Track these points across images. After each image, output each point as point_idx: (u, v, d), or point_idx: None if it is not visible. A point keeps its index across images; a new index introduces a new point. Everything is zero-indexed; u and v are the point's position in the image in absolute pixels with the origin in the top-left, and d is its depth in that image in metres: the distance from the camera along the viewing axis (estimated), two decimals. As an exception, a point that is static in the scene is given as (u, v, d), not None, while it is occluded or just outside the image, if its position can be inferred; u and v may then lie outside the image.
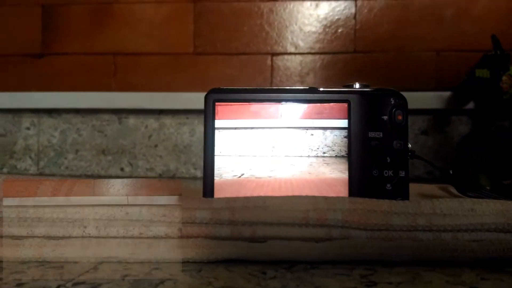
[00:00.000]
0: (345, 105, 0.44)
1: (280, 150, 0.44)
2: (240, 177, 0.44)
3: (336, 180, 0.43)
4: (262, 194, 0.43)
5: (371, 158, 0.43)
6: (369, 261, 0.36)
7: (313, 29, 0.95)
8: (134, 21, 0.96)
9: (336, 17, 0.95)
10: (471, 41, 0.86)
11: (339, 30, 0.95)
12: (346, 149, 0.43)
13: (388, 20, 0.94)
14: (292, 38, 0.95)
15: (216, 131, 0.44)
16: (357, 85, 0.45)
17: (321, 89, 0.45)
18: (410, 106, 0.43)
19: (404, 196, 0.42)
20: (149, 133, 0.94)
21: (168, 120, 0.93)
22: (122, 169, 0.93)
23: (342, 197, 0.40)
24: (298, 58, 0.95)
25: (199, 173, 0.92)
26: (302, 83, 0.95)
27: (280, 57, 0.95)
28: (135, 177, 0.91)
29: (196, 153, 0.93)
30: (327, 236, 0.37)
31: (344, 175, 0.43)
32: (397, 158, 0.43)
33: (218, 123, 0.44)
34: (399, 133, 0.43)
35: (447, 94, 0.93)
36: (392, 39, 0.94)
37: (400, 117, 0.43)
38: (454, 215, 0.37)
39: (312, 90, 0.45)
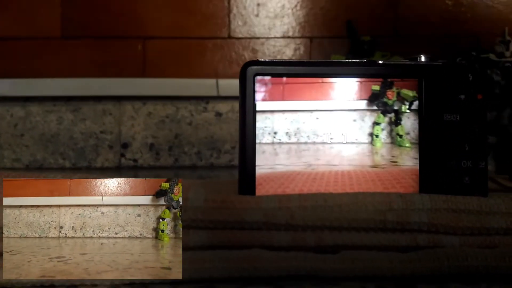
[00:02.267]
0: (414, 82, 0.36)
1: (333, 136, 0.36)
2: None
3: (403, 171, 0.36)
4: (316, 190, 0.35)
5: (446, 146, 0.35)
6: (466, 274, 0.29)
7: (184, 13, 0.89)
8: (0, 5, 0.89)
9: (211, 5, 0.88)
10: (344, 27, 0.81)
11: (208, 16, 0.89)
12: (415, 135, 0.36)
13: (259, 8, 0.89)
14: (165, 22, 0.88)
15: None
16: (422, 59, 0.37)
17: (381, 62, 0.37)
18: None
19: (483, 192, 0.35)
20: (14, 121, 0.88)
21: (34, 108, 0.88)
22: None
23: (419, 194, 0.33)
24: (171, 43, 0.88)
25: (68, 163, 0.87)
26: (176, 69, 0.88)
27: (152, 41, 0.88)
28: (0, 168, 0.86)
29: (64, 142, 0.87)
30: (412, 244, 0.30)
31: (414, 165, 0.36)
32: (477, 146, 0.36)
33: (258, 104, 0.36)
34: (478, 116, 0.36)
35: None
36: (262, 27, 0.89)
37: (480, 97, 0.36)
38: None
39: (372, 63, 0.37)
